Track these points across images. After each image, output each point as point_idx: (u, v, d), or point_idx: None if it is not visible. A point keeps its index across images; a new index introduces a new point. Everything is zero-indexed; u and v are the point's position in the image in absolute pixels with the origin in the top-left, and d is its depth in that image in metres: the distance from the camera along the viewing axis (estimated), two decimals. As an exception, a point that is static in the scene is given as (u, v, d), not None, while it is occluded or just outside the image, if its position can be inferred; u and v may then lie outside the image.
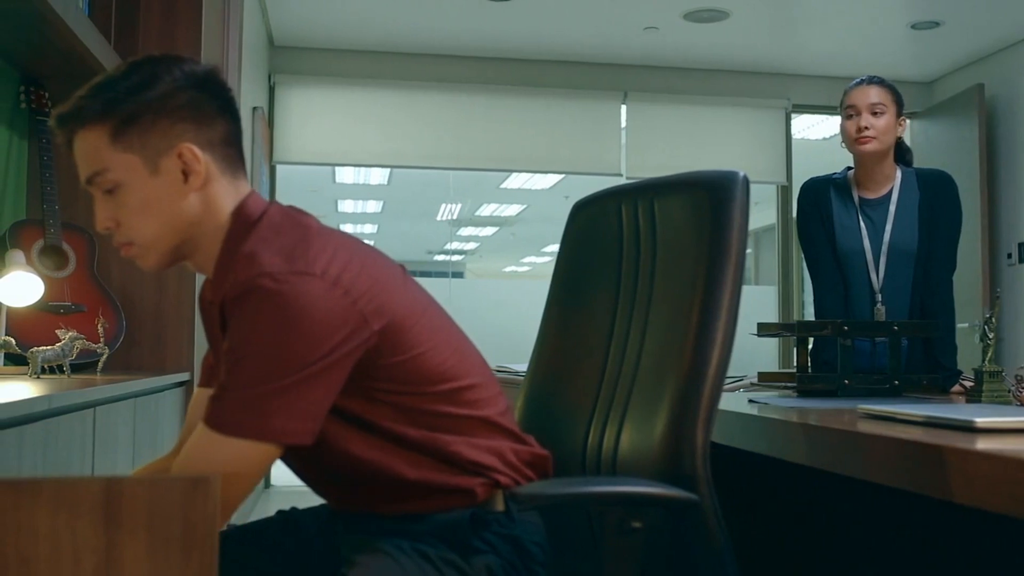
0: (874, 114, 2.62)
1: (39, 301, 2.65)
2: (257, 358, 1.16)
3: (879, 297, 2.63)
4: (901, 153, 2.74)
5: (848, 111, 2.66)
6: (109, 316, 2.86)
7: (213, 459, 1.17)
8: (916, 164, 2.77)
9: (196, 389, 1.52)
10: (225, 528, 1.46)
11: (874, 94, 2.64)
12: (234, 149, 1.35)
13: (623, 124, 6.11)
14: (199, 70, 1.31)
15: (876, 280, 2.64)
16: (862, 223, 2.66)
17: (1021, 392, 1.86)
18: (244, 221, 1.31)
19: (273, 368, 1.16)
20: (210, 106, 1.31)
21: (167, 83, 1.28)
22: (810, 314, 2.87)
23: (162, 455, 2.65)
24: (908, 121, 2.68)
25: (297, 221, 1.30)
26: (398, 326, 1.26)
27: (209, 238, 1.32)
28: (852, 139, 2.64)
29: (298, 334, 1.16)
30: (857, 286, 2.66)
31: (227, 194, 1.32)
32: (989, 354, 1.93)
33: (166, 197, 1.29)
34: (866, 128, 2.61)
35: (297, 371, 1.16)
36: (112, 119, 1.26)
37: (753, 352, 5.49)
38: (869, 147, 2.61)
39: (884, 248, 2.64)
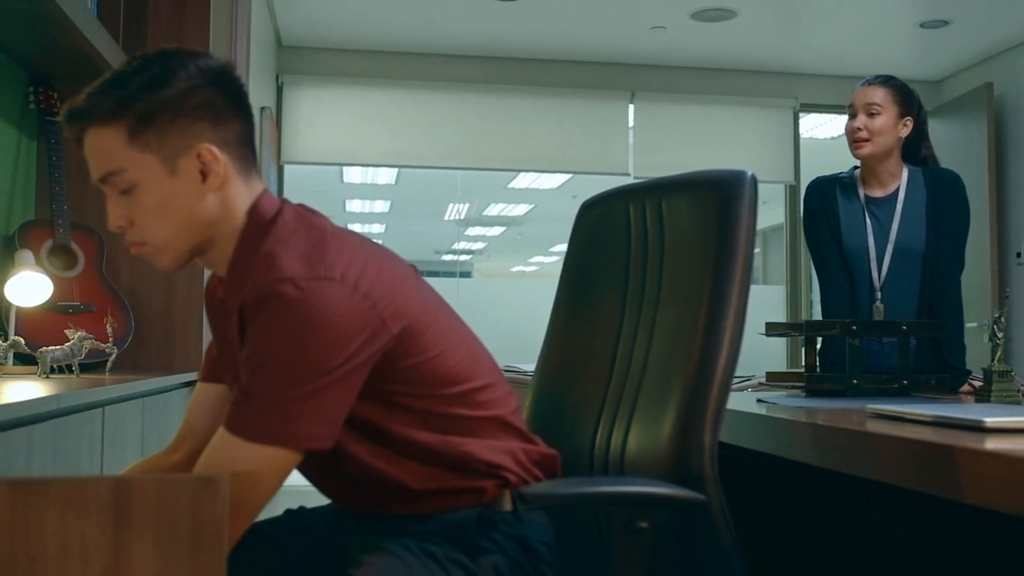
0: (870, 115, 2.63)
1: (48, 301, 2.66)
2: (278, 364, 1.16)
3: (879, 295, 2.63)
4: (915, 152, 2.72)
5: (850, 110, 2.68)
6: (118, 316, 2.87)
7: (235, 464, 1.16)
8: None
9: (198, 384, 1.52)
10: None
11: (873, 94, 2.64)
12: (248, 148, 1.34)
13: (630, 124, 6.10)
14: (213, 65, 1.29)
15: (876, 278, 2.63)
16: (868, 221, 2.66)
17: (1031, 392, 1.86)
18: (259, 221, 1.30)
19: (294, 374, 1.16)
20: (226, 104, 1.29)
21: (183, 80, 1.26)
22: (818, 313, 2.87)
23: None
24: (912, 122, 2.66)
25: (311, 222, 1.30)
26: (414, 329, 1.26)
27: (224, 237, 1.31)
28: (848, 140, 2.67)
29: (319, 340, 1.16)
30: (861, 285, 2.66)
31: (242, 193, 1.31)
32: (998, 353, 1.92)
33: (184, 198, 1.27)
34: (859, 129, 2.63)
35: (318, 377, 1.16)
36: (128, 118, 1.24)
37: (761, 352, 5.48)
38: (863, 151, 2.64)
39: (889, 247, 2.63)
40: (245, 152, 1.33)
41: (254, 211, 1.31)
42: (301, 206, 1.34)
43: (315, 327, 1.16)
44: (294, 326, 1.16)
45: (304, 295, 1.16)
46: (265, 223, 1.29)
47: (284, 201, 1.34)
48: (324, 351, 1.16)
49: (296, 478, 1.35)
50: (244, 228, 1.30)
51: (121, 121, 1.24)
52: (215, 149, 1.27)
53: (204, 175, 1.28)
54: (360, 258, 1.24)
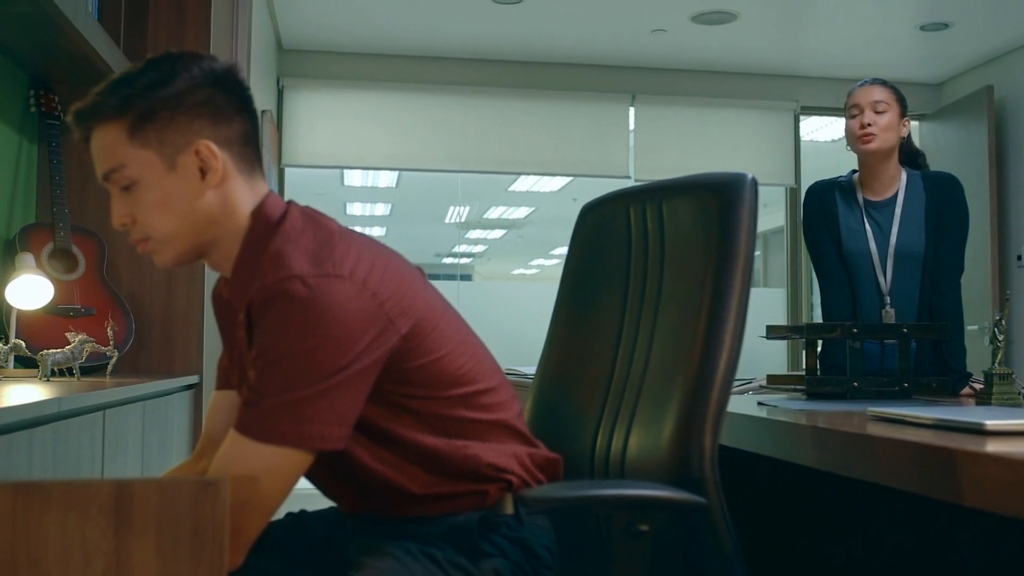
0: (877, 112, 2.63)
1: (49, 304, 2.66)
2: (289, 363, 1.16)
3: (888, 300, 2.63)
4: (911, 156, 2.73)
5: (852, 110, 2.68)
6: (118, 319, 2.87)
7: (247, 466, 1.16)
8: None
9: (213, 393, 1.52)
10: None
11: (877, 93, 2.65)
12: (251, 148, 1.34)
13: (631, 126, 6.11)
14: (217, 67, 1.31)
15: (884, 283, 2.63)
16: (867, 225, 2.66)
17: (1031, 395, 1.85)
18: (265, 221, 1.30)
19: (305, 373, 1.16)
20: (227, 104, 1.30)
21: (185, 80, 1.27)
22: (819, 316, 2.87)
23: (171, 457, 2.67)
24: (911, 123, 2.67)
25: (318, 222, 1.30)
26: (420, 328, 1.26)
27: (228, 237, 1.31)
28: (856, 137, 2.66)
29: (329, 338, 1.16)
30: (864, 288, 2.66)
31: (244, 193, 1.31)
32: (999, 356, 1.92)
33: (183, 194, 1.28)
34: (868, 125, 2.62)
35: (329, 376, 1.16)
36: (129, 115, 1.25)
37: (762, 354, 5.48)
38: (872, 145, 2.63)
39: (891, 250, 2.63)
40: (247, 152, 1.33)
41: (260, 212, 1.31)
42: (308, 208, 1.35)
43: (324, 324, 1.16)
44: (303, 324, 1.15)
45: (313, 292, 1.16)
46: (272, 224, 1.29)
47: (291, 202, 1.35)
48: (334, 349, 1.16)
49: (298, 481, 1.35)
50: (250, 228, 1.30)
51: (123, 118, 1.26)
52: (214, 146, 1.28)
53: (203, 172, 1.28)
54: (368, 257, 1.24)
